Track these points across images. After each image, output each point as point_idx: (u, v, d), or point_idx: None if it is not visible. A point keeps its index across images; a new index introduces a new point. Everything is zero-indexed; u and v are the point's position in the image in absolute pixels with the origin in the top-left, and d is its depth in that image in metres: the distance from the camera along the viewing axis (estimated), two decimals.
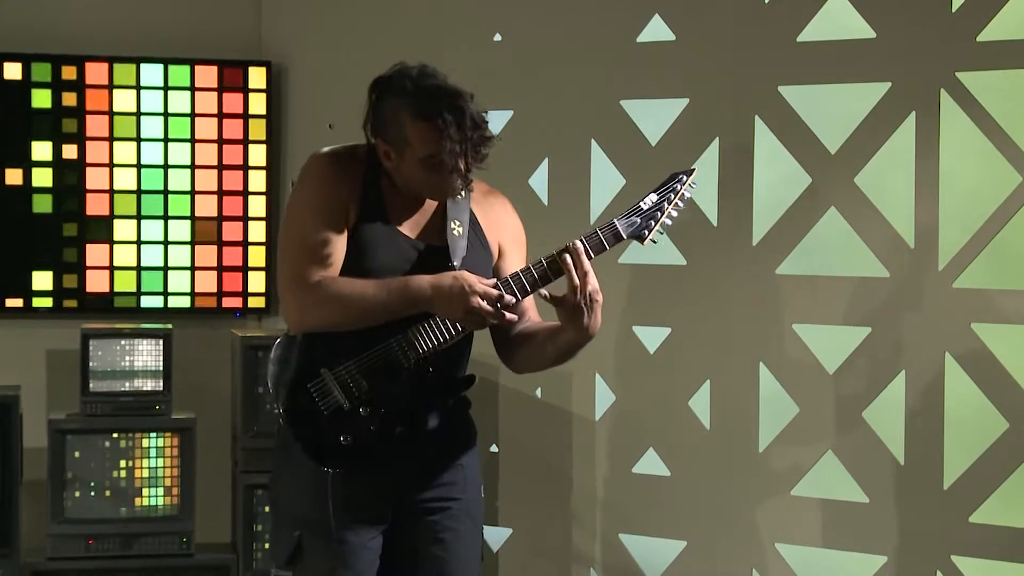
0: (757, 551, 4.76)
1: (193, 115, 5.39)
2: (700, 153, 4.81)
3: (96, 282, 5.32)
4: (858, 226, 4.60)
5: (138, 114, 5.35)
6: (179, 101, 5.38)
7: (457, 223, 3.24)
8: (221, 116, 5.41)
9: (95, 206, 5.31)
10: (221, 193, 5.42)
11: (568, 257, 3.12)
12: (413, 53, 5.11)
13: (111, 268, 5.34)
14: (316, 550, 3.19)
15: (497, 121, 5.16)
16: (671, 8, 4.88)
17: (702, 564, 4.86)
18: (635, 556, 4.98)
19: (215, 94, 5.40)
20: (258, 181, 5.42)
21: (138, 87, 5.35)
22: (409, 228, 3.23)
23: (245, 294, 5.43)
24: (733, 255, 4.78)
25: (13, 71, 5.23)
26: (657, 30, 4.91)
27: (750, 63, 4.75)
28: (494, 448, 5.19)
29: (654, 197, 3.24)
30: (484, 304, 3.09)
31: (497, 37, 5.19)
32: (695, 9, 4.85)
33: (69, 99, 5.29)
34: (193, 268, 5.40)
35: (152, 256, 5.36)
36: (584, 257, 3.12)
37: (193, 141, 5.39)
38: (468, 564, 3.31)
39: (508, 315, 3.13)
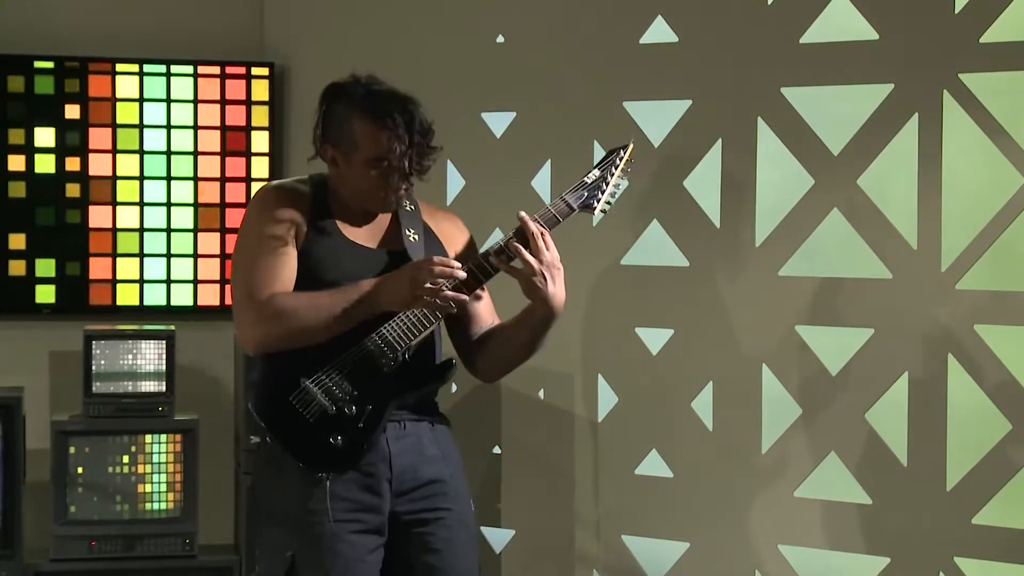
0: (760, 552, 4.76)
1: (196, 115, 5.38)
2: (703, 154, 4.81)
3: (98, 283, 5.33)
4: (861, 227, 4.60)
5: (140, 115, 5.35)
6: (182, 104, 5.37)
7: (412, 231, 3.33)
8: (224, 118, 5.40)
9: (97, 207, 5.32)
10: (224, 189, 5.42)
11: (516, 242, 3.21)
12: (416, 54, 5.15)
13: (114, 269, 5.34)
14: (311, 566, 3.19)
15: (500, 122, 5.18)
16: (674, 9, 4.88)
17: (705, 565, 4.85)
18: (638, 557, 4.97)
19: (218, 95, 5.39)
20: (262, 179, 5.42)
21: (141, 88, 5.35)
22: (367, 240, 3.31)
23: None
24: (736, 256, 4.78)
25: (16, 75, 5.24)
26: (660, 31, 4.91)
27: (753, 64, 4.75)
28: (497, 449, 5.19)
29: (596, 172, 3.39)
30: (430, 279, 3.14)
31: (500, 39, 5.19)
32: (698, 11, 4.85)
33: (71, 100, 5.30)
34: (196, 271, 5.40)
35: (154, 257, 5.37)
36: (534, 229, 3.20)
37: (196, 151, 5.38)
38: (464, 573, 3.31)
39: (454, 295, 3.16)
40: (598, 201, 3.34)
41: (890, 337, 4.55)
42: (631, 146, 3.43)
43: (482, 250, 3.29)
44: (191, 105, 5.37)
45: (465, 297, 3.19)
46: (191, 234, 5.38)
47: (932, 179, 4.46)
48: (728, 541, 4.81)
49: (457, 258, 3.36)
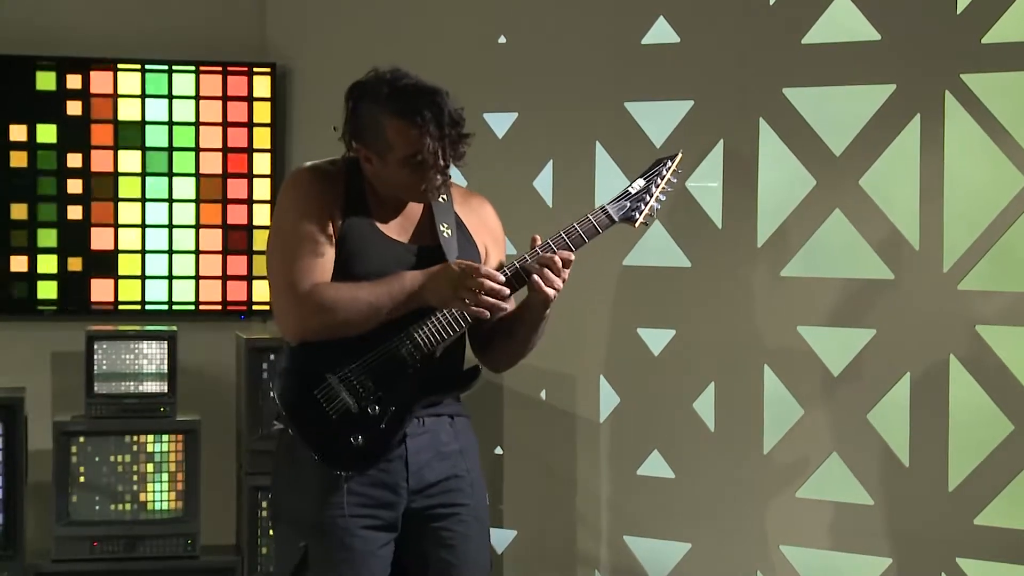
0: (761, 553, 4.76)
1: (197, 119, 5.39)
2: (705, 155, 4.81)
3: (100, 284, 5.33)
4: (862, 228, 4.60)
5: (143, 119, 5.35)
6: (184, 105, 5.38)
7: (445, 225, 3.28)
8: (225, 120, 5.41)
9: (99, 211, 5.33)
10: (225, 199, 5.43)
11: (547, 270, 3.15)
12: (417, 55, 5.13)
13: (115, 272, 5.35)
14: (323, 559, 3.18)
15: (501, 123, 5.18)
16: (675, 10, 4.88)
17: (706, 566, 4.85)
18: (640, 558, 4.98)
19: (219, 97, 5.40)
20: (262, 187, 5.42)
21: (143, 89, 5.35)
22: (399, 233, 3.26)
23: (249, 296, 5.43)
24: (738, 257, 4.78)
25: (16, 73, 5.25)
26: (661, 32, 4.91)
27: (754, 65, 4.75)
28: (499, 450, 5.19)
29: (641, 182, 3.30)
30: (481, 282, 3.10)
31: (502, 39, 5.19)
32: (700, 11, 4.85)
33: (73, 103, 5.31)
34: (197, 272, 5.41)
35: (156, 260, 5.37)
36: (559, 263, 3.15)
37: (198, 150, 5.39)
38: (478, 568, 3.31)
39: (495, 303, 3.12)
40: (640, 213, 3.27)
41: (892, 338, 4.55)
42: (679, 156, 3.35)
43: (508, 265, 3.21)
44: (193, 110, 5.38)
45: (506, 307, 3.16)
46: (193, 229, 5.39)
47: (934, 179, 4.46)
48: (730, 541, 4.81)
49: (486, 253, 3.34)
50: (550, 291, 3.17)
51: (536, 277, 3.17)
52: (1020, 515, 4.42)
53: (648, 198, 3.29)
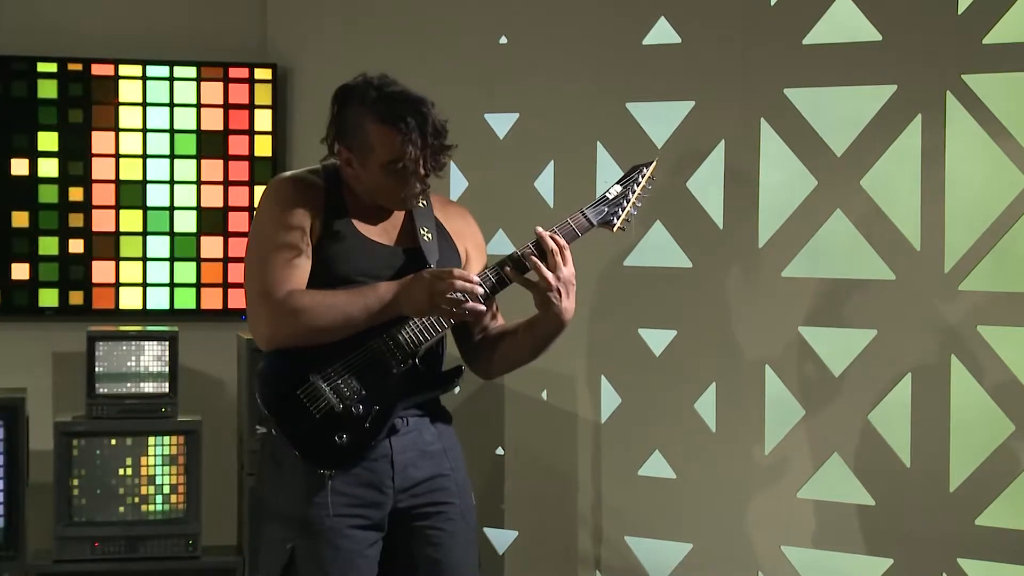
0: (762, 553, 4.77)
1: (199, 120, 5.38)
2: (706, 156, 4.81)
3: (102, 284, 5.34)
4: (863, 228, 4.60)
5: (144, 124, 5.35)
6: (184, 107, 5.38)
7: (425, 229, 3.32)
8: (227, 121, 5.41)
9: (100, 203, 5.33)
10: (226, 201, 5.43)
11: (534, 256, 3.21)
12: (418, 55, 5.14)
13: (117, 268, 5.35)
14: (311, 559, 3.19)
15: (503, 123, 5.18)
16: (677, 11, 4.88)
17: (707, 566, 4.86)
18: (640, 559, 4.98)
19: (221, 97, 5.40)
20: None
21: (144, 89, 5.35)
22: (382, 237, 3.30)
23: None
24: (739, 258, 4.78)
25: (20, 68, 5.25)
26: (663, 32, 4.92)
27: (756, 66, 4.75)
28: (500, 451, 5.19)
29: (618, 188, 3.38)
30: (452, 283, 3.13)
31: (503, 39, 5.19)
32: (701, 12, 4.85)
33: (75, 99, 5.30)
34: (199, 269, 5.41)
35: (158, 258, 5.38)
36: (553, 245, 3.20)
37: (199, 158, 5.39)
38: (466, 566, 3.32)
39: (473, 306, 3.15)
40: (618, 218, 3.34)
41: (893, 338, 4.55)
42: (654, 163, 3.42)
43: (497, 260, 3.26)
44: (194, 112, 5.39)
45: (483, 308, 3.19)
46: (194, 238, 5.39)
47: (935, 180, 4.46)
48: (731, 542, 4.81)
49: (467, 258, 3.37)
50: (551, 276, 3.19)
51: (542, 265, 3.20)
52: (1021, 516, 4.42)
53: (625, 204, 3.36)
